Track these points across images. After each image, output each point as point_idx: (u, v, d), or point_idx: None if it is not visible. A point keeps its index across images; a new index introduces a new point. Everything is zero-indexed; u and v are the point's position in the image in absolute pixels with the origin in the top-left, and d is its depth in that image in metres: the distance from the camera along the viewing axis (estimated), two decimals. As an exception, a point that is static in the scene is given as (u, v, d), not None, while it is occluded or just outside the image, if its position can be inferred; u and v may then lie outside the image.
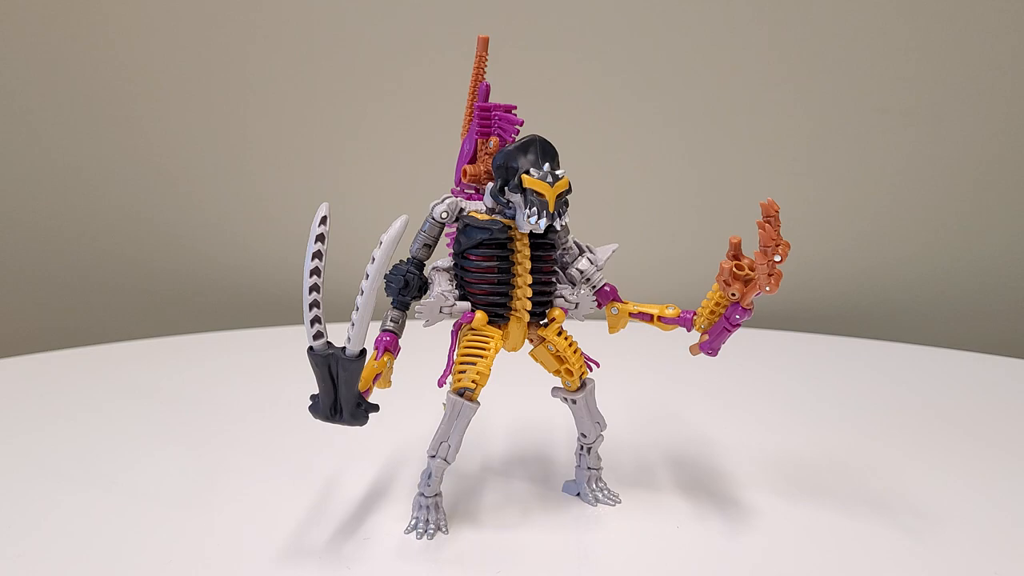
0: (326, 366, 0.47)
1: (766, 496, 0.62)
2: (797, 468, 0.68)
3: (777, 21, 1.25)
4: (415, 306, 0.53)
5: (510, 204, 0.52)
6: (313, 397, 0.49)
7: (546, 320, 0.57)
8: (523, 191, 0.50)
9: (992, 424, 0.81)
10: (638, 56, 1.28)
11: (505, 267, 0.54)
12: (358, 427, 0.50)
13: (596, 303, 0.58)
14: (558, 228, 0.52)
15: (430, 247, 0.55)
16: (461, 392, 0.53)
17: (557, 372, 0.58)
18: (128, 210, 1.40)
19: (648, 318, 0.58)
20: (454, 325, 0.55)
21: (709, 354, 0.57)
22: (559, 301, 0.56)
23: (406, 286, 0.53)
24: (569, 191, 0.52)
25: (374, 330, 0.52)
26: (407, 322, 0.55)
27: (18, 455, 0.71)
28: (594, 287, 0.57)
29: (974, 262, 1.32)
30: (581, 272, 0.57)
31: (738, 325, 0.54)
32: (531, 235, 0.54)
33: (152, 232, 1.41)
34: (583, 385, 0.59)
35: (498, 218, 0.53)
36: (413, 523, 0.55)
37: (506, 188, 0.51)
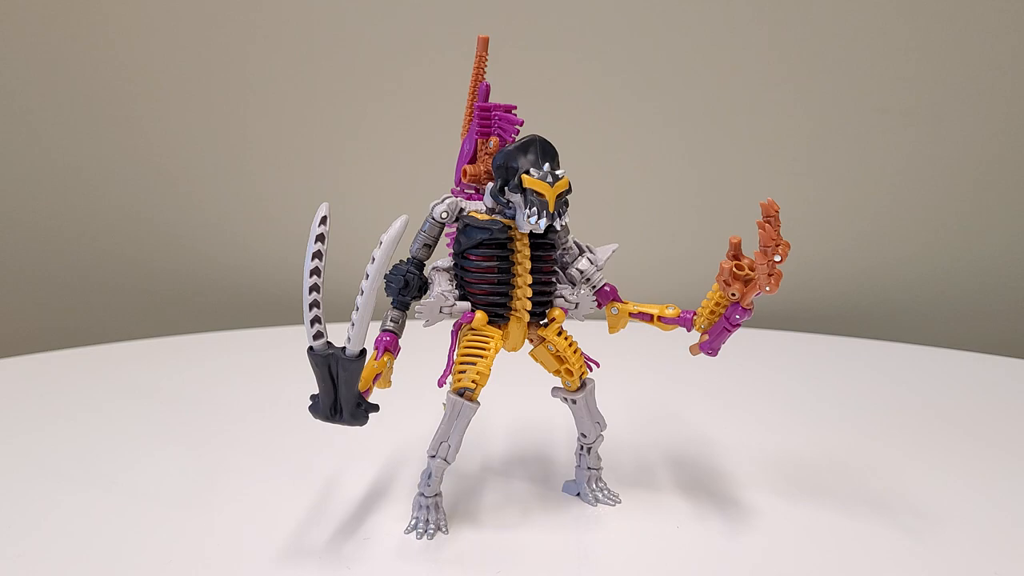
0: (326, 366, 0.47)
1: (766, 496, 0.62)
2: (797, 468, 0.68)
3: (777, 21, 1.25)
4: (415, 306, 0.53)
5: (510, 204, 0.52)
6: (313, 397, 0.49)
7: (546, 320, 0.57)
8: (523, 191, 0.50)
9: (992, 424, 0.81)
10: (638, 56, 1.29)
11: (505, 267, 0.54)
12: (358, 427, 0.50)
13: (596, 303, 0.58)
14: (558, 228, 0.52)
15: (430, 247, 0.55)
16: (461, 392, 0.53)
17: (557, 372, 0.58)
18: (128, 210, 1.40)
19: (648, 318, 0.58)
20: (454, 325, 0.55)
21: (709, 354, 0.57)
22: (559, 301, 0.56)
23: (406, 286, 0.54)
24: (569, 191, 0.52)
25: (374, 330, 0.52)
26: (407, 322, 0.55)
27: (18, 455, 0.71)
28: (594, 287, 0.57)
29: (974, 262, 1.32)
30: (581, 272, 0.57)
31: (738, 325, 0.54)
32: (531, 235, 0.54)
33: (152, 232, 1.41)
34: (583, 385, 0.59)
35: (498, 218, 0.53)
36: (413, 523, 0.55)
37: (506, 188, 0.51)
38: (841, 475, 0.67)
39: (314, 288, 0.46)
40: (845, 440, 0.76)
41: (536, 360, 0.58)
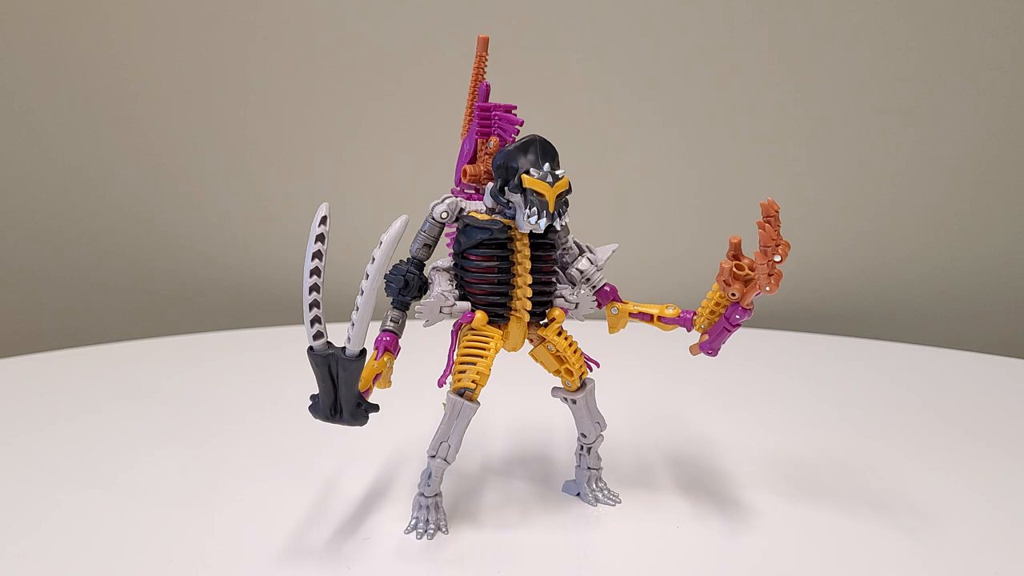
0: (326, 366, 0.47)
1: (766, 496, 0.62)
2: (797, 468, 0.68)
3: (777, 21, 1.25)
4: (415, 306, 0.53)
5: (510, 204, 0.52)
6: (313, 397, 0.49)
7: (546, 320, 0.57)
8: (523, 191, 0.50)
9: (992, 424, 0.81)
10: (638, 56, 1.29)
11: (505, 267, 0.54)
12: (358, 427, 0.50)
13: (596, 303, 0.58)
14: (558, 228, 0.52)
15: (430, 247, 0.55)
16: (461, 392, 0.53)
17: (557, 372, 0.58)
18: (128, 210, 1.40)
19: (648, 318, 0.58)
20: (454, 325, 0.55)
21: (709, 354, 0.57)
22: (559, 301, 0.56)
23: (406, 286, 0.54)
24: (569, 191, 0.52)
25: (374, 330, 0.52)
26: (407, 322, 0.55)
27: (18, 455, 0.71)
28: (594, 287, 0.57)
29: (974, 262, 1.32)
30: (581, 272, 0.57)
31: (738, 325, 0.54)
32: (531, 235, 0.54)
33: (152, 232, 1.41)
34: (583, 385, 0.59)
35: (498, 218, 0.53)
36: (413, 523, 0.55)
37: (506, 188, 0.51)
38: (841, 475, 0.67)
39: (314, 288, 0.46)
40: (845, 440, 0.76)
41: (536, 360, 0.58)
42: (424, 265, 0.55)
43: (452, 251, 0.56)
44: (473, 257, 0.54)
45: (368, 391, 0.50)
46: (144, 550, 0.53)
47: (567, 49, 1.29)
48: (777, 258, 0.49)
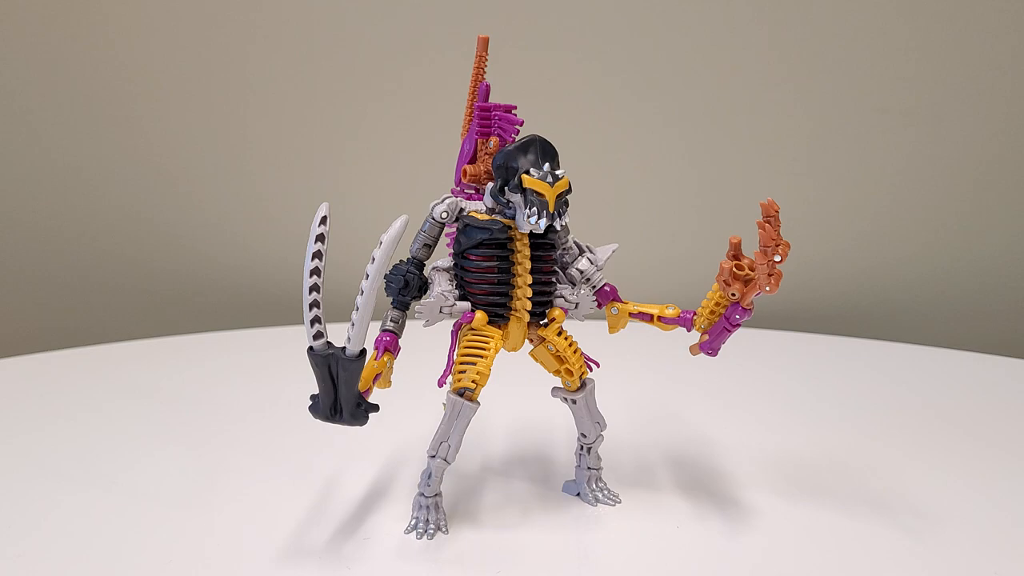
0: (326, 366, 0.47)
1: (766, 496, 0.62)
2: (797, 468, 0.68)
3: (777, 21, 1.25)
4: (415, 306, 0.53)
5: (510, 204, 0.52)
6: (313, 397, 0.49)
7: (546, 320, 0.57)
8: (523, 191, 0.50)
9: (992, 424, 0.81)
10: (638, 56, 1.29)
11: (505, 267, 0.54)
12: (358, 427, 0.50)
13: (596, 303, 0.58)
14: (558, 228, 0.52)
15: (430, 247, 0.55)
16: (461, 392, 0.53)
17: (557, 372, 0.58)
18: (128, 210, 1.40)
19: (648, 318, 0.58)
20: (454, 325, 0.55)
21: (709, 354, 0.57)
22: (559, 301, 0.56)
23: (406, 286, 0.54)
24: (569, 191, 0.52)
25: (374, 330, 0.52)
26: (407, 322, 0.55)
27: (18, 455, 0.71)
28: (594, 287, 0.57)
29: (974, 262, 1.32)
30: (581, 272, 0.57)
31: (738, 325, 0.54)
32: (531, 235, 0.54)
33: (152, 232, 1.41)
34: (583, 385, 0.59)
35: (498, 218, 0.53)
36: (413, 523, 0.55)
37: (506, 188, 0.51)
38: (841, 475, 0.67)
39: (314, 288, 0.46)
40: (845, 440, 0.76)
41: (536, 360, 0.58)
42: (424, 265, 0.55)
43: (452, 251, 0.56)
44: (473, 257, 0.54)
45: (368, 391, 0.50)
46: (144, 550, 0.53)
47: (567, 49, 1.29)
48: (777, 258, 0.49)
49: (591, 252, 0.58)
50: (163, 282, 1.43)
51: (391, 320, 0.54)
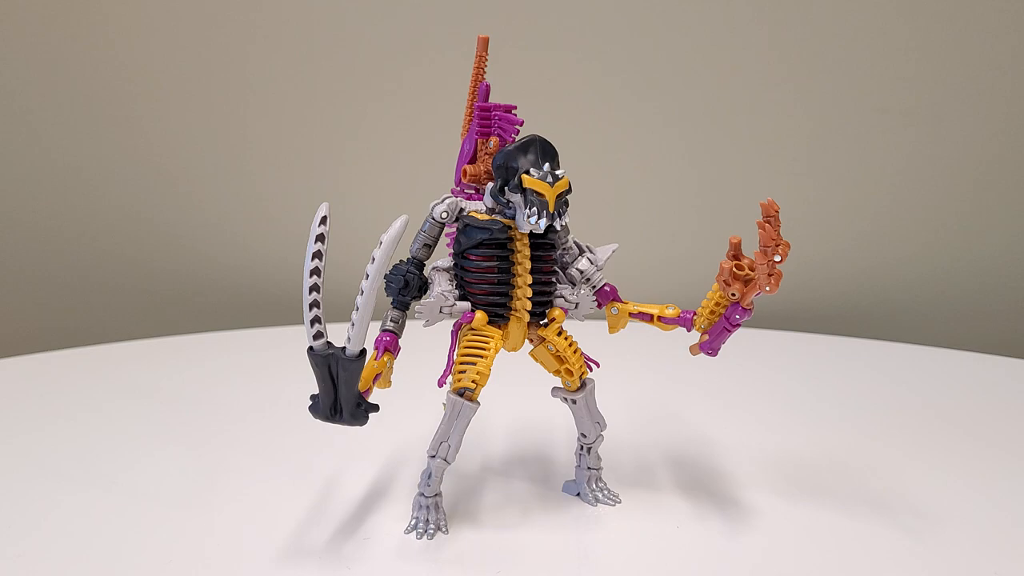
0: (326, 366, 0.47)
1: (766, 496, 0.62)
2: (797, 468, 0.68)
3: (777, 21, 1.25)
4: (415, 306, 0.53)
5: (510, 204, 0.52)
6: (313, 397, 0.49)
7: (546, 320, 0.57)
8: (523, 191, 0.50)
9: (992, 424, 0.81)
10: (638, 56, 1.29)
11: (505, 267, 0.54)
12: (358, 427, 0.50)
13: (596, 303, 0.58)
14: (558, 228, 0.52)
15: (430, 247, 0.55)
16: (461, 392, 0.53)
17: (557, 372, 0.58)
18: (128, 210, 1.40)
19: (648, 318, 0.58)
20: (454, 325, 0.55)
21: (709, 354, 0.57)
22: (559, 301, 0.56)
23: (406, 286, 0.54)
24: (569, 191, 0.52)
25: (374, 330, 0.52)
26: (407, 322, 0.55)
27: (18, 455, 0.71)
28: (594, 287, 0.57)
29: (974, 262, 1.32)
30: (581, 272, 0.57)
31: (738, 325, 0.54)
32: (531, 235, 0.54)
33: (152, 232, 1.41)
34: (583, 385, 0.59)
35: (498, 218, 0.53)
36: (413, 523, 0.55)
37: (506, 188, 0.51)
38: (841, 475, 0.67)
39: (314, 288, 0.46)
40: (845, 440, 0.76)
41: (536, 360, 0.58)
42: (424, 265, 0.55)
43: (452, 251, 0.56)
44: (473, 257, 0.54)
45: (368, 391, 0.50)
46: (144, 550, 0.53)
47: (567, 49, 1.29)
48: (777, 258, 0.49)
49: (591, 252, 0.58)
50: (163, 282, 1.43)
51: (391, 320, 0.54)
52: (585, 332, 0.62)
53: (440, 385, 0.55)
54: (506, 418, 0.79)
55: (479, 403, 0.54)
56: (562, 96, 1.28)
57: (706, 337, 0.56)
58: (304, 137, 1.36)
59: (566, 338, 0.57)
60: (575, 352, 0.58)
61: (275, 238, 1.38)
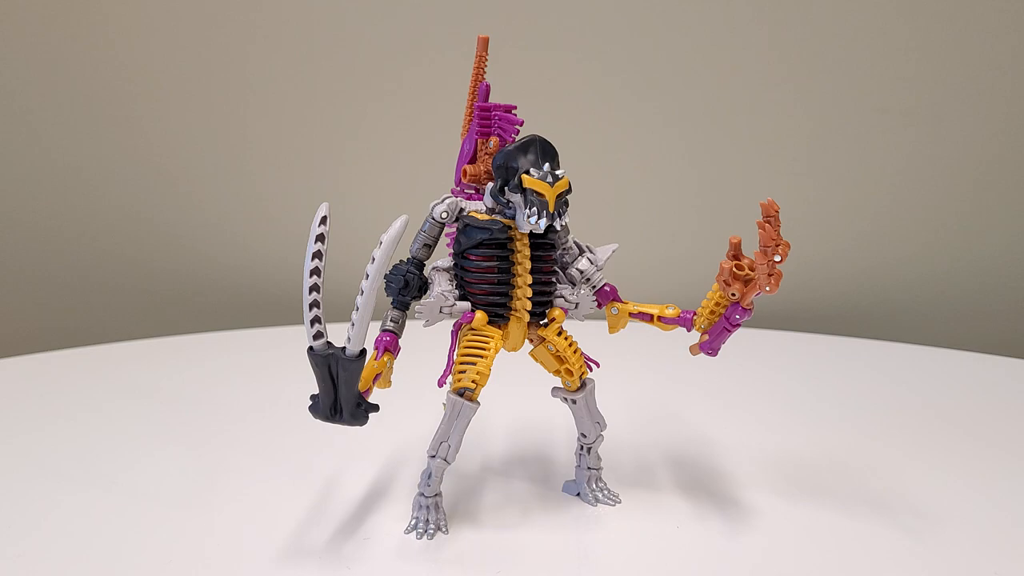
0: (326, 366, 0.47)
1: (766, 496, 0.62)
2: (797, 468, 0.68)
3: (777, 21, 1.25)
4: (415, 306, 0.53)
5: (510, 204, 0.52)
6: (313, 397, 0.49)
7: (546, 320, 0.57)
8: (523, 191, 0.50)
9: (992, 424, 0.81)
10: (638, 56, 1.29)
11: (505, 267, 0.54)
12: (358, 427, 0.50)
13: (596, 303, 0.58)
14: (558, 228, 0.52)
15: (430, 247, 0.55)
16: (461, 392, 0.53)
17: (557, 372, 0.58)
18: (128, 210, 1.40)
19: (648, 318, 0.58)
20: (454, 325, 0.55)
21: (709, 354, 0.57)
22: (559, 301, 0.56)
23: (406, 286, 0.54)
24: (569, 191, 0.52)
25: (374, 330, 0.52)
26: (407, 322, 0.55)
27: (18, 455, 0.71)
28: (594, 287, 0.57)
29: (974, 262, 1.32)
30: (581, 272, 0.57)
31: (738, 325, 0.54)
32: (531, 235, 0.54)
33: (152, 232, 1.41)
34: (583, 385, 0.59)
35: (498, 218, 0.53)
36: (413, 523, 0.55)
37: (506, 188, 0.51)
38: (841, 475, 0.67)
39: (314, 288, 0.46)
40: (845, 440, 0.76)
41: (536, 360, 0.58)
42: (424, 265, 0.55)
43: (452, 251, 0.56)
44: (473, 257, 0.54)
45: (368, 391, 0.50)
46: (144, 550, 0.53)
47: (567, 49, 1.29)
48: (777, 258, 0.49)
49: (591, 252, 0.58)
50: (163, 282, 1.43)
51: (391, 320, 0.54)
52: (585, 332, 0.62)
53: (440, 385, 0.55)
54: (506, 418, 0.79)
55: (479, 403, 0.54)
56: (562, 96, 1.28)
57: (706, 337, 0.56)
58: (304, 137, 1.36)
59: (566, 338, 0.57)
60: (575, 352, 0.58)
61: (275, 238, 1.39)
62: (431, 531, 0.55)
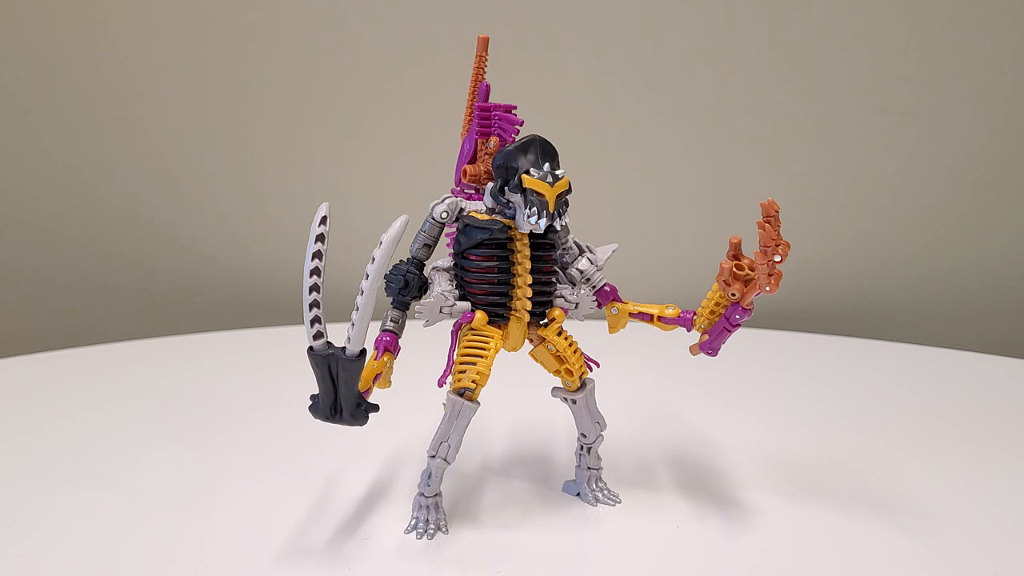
0: (326, 366, 0.47)
1: (766, 496, 0.62)
2: (797, 468, 0.68)
3: (777, 21, 1.25)
4: (415, 306, 0.53)
5: (510, 204, 0.52)
6: (313, 397, 0.49)
7: (546, 320, 0.57)
8: (523, 191, 0.50)
9: (992, 424, 0.81)
10: (638, 56, 1.29)
11: (505, 267, 0.54)
12: (358, 427, 0.50)
13: (596, 303, 0.58)
14: (558, 228, 0.52)
15: (430, 247, 0.55)
16: (461, 392, 0.53)
17: (557, 372, 0.58)
18: (128, 210, 1.40)
19: (648, 318, 0.58)
20: (454, 325, 0.55)
21: (709, 354, 0.57)
22: (559, 301, 0.56)
23: (406, 286, 0.54)
24: (569, 191, 0.52)
25: (374, 330, 0.52)
26: (407, 322, 0.55)
27: (18, 455, 0.71)
28: (594, 287, 0.57)
29: (974, 262, 1.32)
30: (581, 272, 0.57)
31: (738, 325, 0.54)
32: (531, 235, 0.54)
33: (152, 232, 1.41)
34: (583, 385, 0.59)
35: (498, 218, 0.53)
36: (413, 523, 0.55)
37: (506, 188, 0.51)
38: (841, 475, 0.67)
39: (314, 288, 0.46)
40: (845, 440, 0.76)
41: (536, 360, 0.58)
42: (424, 265, 0.55)
43: (452, 251, 0.56)
44: (473, 257, 0.54)
45: (368, 391, 0.50)
46: (144, 550, 0.53)
47: (567, 49, 1.29)
48: (777, 258, 0.49)
49: (591, 252, 0.58)
50: (163, 282, 1.43)
51: (391, 320, 0.54)
52: (585, 332, 0.62)
53: (440, 385, 0.55)
54: (506, 418, 0.79)
55: (479, 403, 0.54)
56: (562, 96, 1.28)
57: (706, 337, 0.56)
58: (304, 137, 1.36)
59: (566, 338, 0.57)
60: (575, 352, 0.58)
61: (275, 238, 1.39)
62: (431, 531, 0.55)
